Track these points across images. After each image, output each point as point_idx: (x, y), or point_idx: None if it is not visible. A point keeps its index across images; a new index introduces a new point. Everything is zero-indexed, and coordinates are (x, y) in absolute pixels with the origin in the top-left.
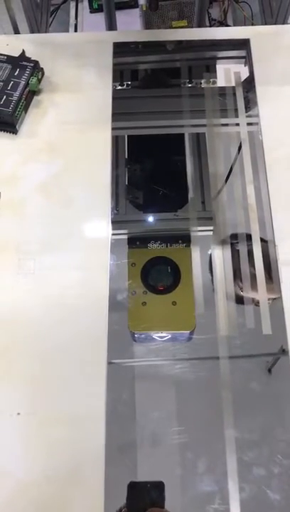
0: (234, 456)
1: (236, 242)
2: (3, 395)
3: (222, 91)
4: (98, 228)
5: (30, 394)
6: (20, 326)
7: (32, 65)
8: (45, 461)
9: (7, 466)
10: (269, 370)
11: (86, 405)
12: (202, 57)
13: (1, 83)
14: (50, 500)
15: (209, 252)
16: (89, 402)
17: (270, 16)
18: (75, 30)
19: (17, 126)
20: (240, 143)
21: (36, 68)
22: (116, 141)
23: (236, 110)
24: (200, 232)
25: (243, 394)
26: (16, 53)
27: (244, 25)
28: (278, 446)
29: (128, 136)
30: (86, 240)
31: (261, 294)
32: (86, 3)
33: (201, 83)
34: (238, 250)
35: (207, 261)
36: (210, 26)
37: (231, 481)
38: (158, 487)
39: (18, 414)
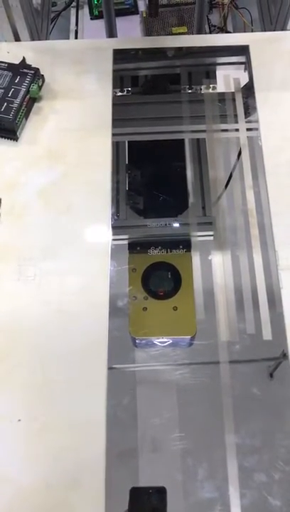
0: (235, 462)
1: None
2: (4, 402)
3: (222, 97)
4: (98, 234)
5: (31, 400)
6: (21, 332)
7: (32, 72)
8: (45, 467)
9: (8, 473)
10: (271, 375)
11: (86, 411)
12: (202, 63)
13: (2, 90)
14: (50, 506)
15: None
16: (89, 408)
17: (269, 23)
18: (76, 37)
19: (18, 133)
20: (240, 149)
21: (37, 75)
22: (116, 146)
23: (236, 116)
24: (201, 237)
25: (245, 398)
26: (17, 61)
27: (244, 31)
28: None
29: (128, 141)
30: (86, 246)
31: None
32: (86, 10)
33: (201, 89)
34: None
35: (210, 266)
36: (210, 32)
37: (232, 487)
38: (160, 493)
39: (19, 420)
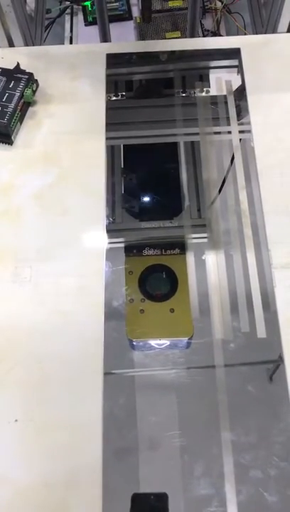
0: (230, 459)
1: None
2: (1, 402)
3: (215, 100)
4: (93, 236)
5: (28, 401)
6: (17, 334)
7: (26, 77)
8: (43, 467)
9: (5, 473)
10: (270, 378)
11: (83, 412)
12: (195, 67)
13: None
14: (48, 506)
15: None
16: (85, 409)
17: (260, 26)
18: (70, 43)
19: (12, 137)
20: (233, 154)
21: (31, 80)
22: (112, 150)
23: (228, 118)
24: (196, 239)
25: (243, 399)
26: (11, 66)
27: (237, 35)
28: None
29: (124, 145)
30: (82, 248)
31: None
32: (81, 17)
33: (195, 92)
34: None
35: (206, 267)
36: (204, 37)
37: (228, 484)
38: (162, 499)
39: (16, 421)
